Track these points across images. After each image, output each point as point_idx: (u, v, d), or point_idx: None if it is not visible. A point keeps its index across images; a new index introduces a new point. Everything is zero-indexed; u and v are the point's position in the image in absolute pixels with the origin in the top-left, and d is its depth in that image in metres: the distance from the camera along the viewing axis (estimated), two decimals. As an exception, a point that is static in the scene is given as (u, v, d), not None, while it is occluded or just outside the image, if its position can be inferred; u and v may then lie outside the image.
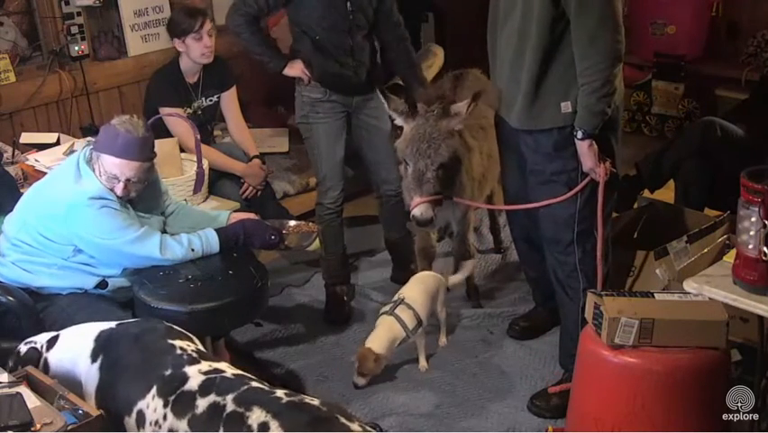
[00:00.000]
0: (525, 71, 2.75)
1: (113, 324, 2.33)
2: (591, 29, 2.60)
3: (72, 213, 2.66)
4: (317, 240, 3.24)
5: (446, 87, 3.44)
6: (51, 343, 2.33)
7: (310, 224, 3.32)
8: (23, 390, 2.06)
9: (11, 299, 2.66)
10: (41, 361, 2.30)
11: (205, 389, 2.02)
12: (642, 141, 5.36)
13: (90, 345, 2.26)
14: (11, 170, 3.27)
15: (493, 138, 3.21)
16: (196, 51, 3.75)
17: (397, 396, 3.13)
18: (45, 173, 3.16)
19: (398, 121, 3.13)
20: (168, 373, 2.10)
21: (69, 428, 1.96)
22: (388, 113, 3.19)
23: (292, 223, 3.29)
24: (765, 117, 3.94)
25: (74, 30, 4.03)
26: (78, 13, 4.05)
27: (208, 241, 2.82)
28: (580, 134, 2.71)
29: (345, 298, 3.73)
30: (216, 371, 2.09)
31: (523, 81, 2.77)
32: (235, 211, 3.25)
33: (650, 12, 5.49)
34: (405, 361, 3.35)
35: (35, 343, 2.35)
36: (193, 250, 2.79)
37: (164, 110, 3.61)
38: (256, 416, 1.91)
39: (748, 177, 2.22)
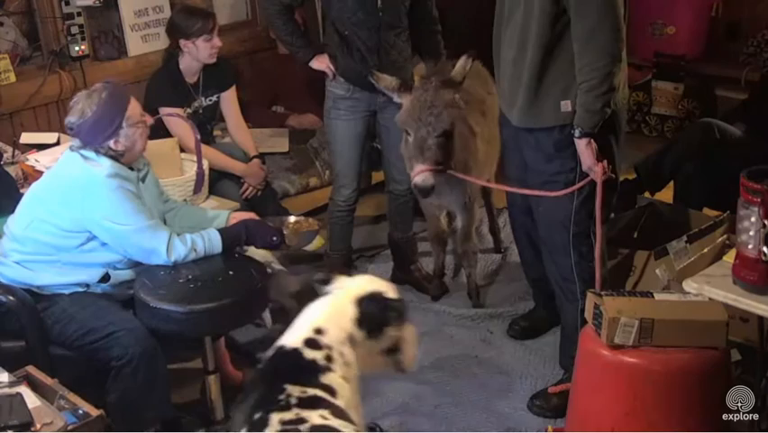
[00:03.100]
0: (527, 69, 2.75)
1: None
2: (590, 26, 2.60)
3: (89, 192, 2.66)
4: (318, 239, 3.23)
5: (444, 69, 3.45)
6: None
7: (310, 220, 3.30)
8: (23, 390, 2.07)
9: (11, 298, 2.66)
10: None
11: None
12: (642, 141, 5.35)
13: None
14: (11, 170, 3.26)
15: (491, 123, 3.24)
16: (204, 52, 3.73)
17: (397, 396, 3.13)
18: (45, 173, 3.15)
19: (395, 98, 3.16)
20: None
21: (69, 428, 1.97)
22: (381, 90, 3.22)
23: (292, 219, 3.28)
24: (765, 117, 3.94)
25: (74, 30, 4.01)
26: (78, 14, 4.04)
27: (211, 241, 2.82)
28: (577, 132, 2.71)
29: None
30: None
31: (524, 79, 2.77)
32: (235, 211, 3.25)
33: (650, 12, 5.47)
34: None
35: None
36: (195, 250, 2.78)
37: (164, 110, 3.60)
38: None
39: (748, 177, 2.21)
